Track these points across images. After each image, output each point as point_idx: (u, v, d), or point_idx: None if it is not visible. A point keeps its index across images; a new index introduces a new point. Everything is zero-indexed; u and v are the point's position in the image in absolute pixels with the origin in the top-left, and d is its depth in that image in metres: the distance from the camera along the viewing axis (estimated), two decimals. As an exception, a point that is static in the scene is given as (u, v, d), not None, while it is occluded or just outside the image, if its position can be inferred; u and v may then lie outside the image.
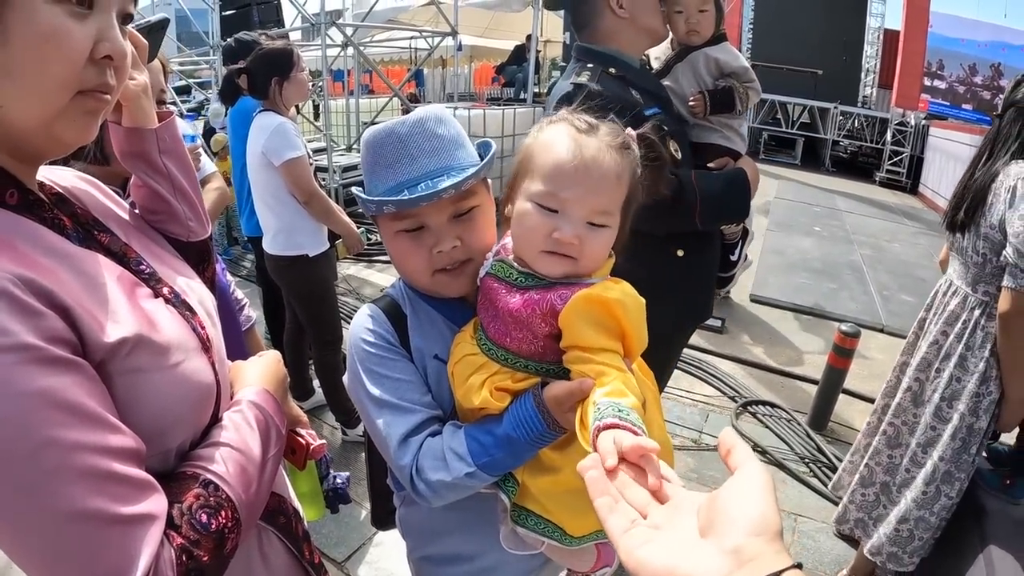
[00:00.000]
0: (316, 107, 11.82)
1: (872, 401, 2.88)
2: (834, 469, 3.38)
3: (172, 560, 0.73)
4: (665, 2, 2.15)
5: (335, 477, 1.41)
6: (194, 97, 11.53)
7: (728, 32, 2.33)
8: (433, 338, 1.20)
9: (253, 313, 2.35)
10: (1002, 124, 2.30)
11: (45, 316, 0.68)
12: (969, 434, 2.30)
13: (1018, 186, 2.10)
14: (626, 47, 2.12)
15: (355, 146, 10.23)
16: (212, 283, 1.19)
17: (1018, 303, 2.09)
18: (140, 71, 1.03)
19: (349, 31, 9.30)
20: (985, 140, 2.37)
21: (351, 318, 4.51)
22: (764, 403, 4.26)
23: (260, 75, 3.13)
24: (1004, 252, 2.10)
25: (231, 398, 1.01)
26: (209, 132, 7.05)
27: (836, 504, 3.22)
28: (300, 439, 1.29)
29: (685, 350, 4.75)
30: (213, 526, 0.80)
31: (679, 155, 2.10)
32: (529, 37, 11.38)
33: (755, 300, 6.20)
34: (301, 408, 1.44)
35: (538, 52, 11.79)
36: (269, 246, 3.35)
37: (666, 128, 2.07)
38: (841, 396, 4.05)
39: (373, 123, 10.61)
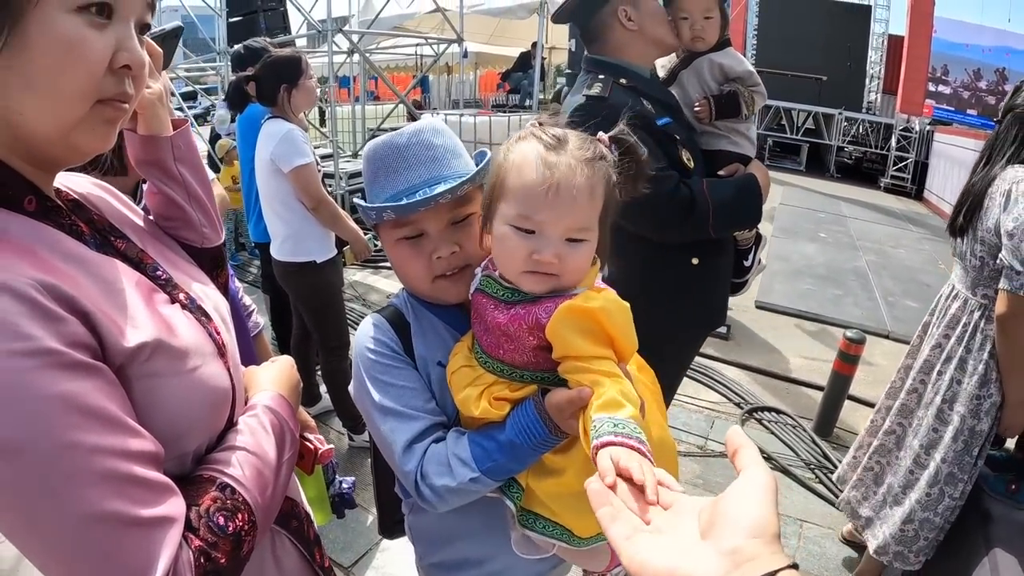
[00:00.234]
0: (322, 113, 11.86)
1: (878, 407, 2.89)
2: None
3: (191, 562, 0.74)
4: (670, 9, 2.17)
5: (341, 482, 1.42)
6: (200, 103, 11.57)
7: (732, 38, 2.35)
8: (436, 345, 1.22)
9: (261, 319, 2.37)
10: (1000, 129, 2.33)
11: (67, 321, 0.69)
12: (971, 436, 2.31)
13: (1012, 190, 2.13)
14: (636, 59, 2.14)
15: (360, 153, 10.26)
16: (225, 289, 1.20)
17: (1014, 305, 2.11)
18: (155, 79, 1.04)
19: (355, 38, 9.34)
20: (985, 145, 2.42)
21: (358, 324, 4.52)
22: (770, 409, 4.26)
23: (269, 82, 3.16)
24: (1000, 255, 2.12)
25: (245, 403, 1.02)
26: (215, 138, 7.08)
27: (841, 510, 3.23)
28: (308, 444, 1.30)
29: (691, 356, 4.78)
30: (230, 528, 0.80)
31: (692, 164, 2.12)
32: (535, 44, 11.42)
33: (760, 307, 6.20)
34: (308, 413, 1.46)
35: (543, 59, 11.83)
36: (277, 252, 3.37)
37: (678, 137, 2.09)
38: (847, 402, 4.05)
39: (379, 129, 10.67)
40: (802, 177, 15.15)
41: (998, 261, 2.15)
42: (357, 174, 8.26)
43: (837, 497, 3.30)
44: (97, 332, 0.73)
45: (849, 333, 3.87)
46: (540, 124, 1.09)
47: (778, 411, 4.24)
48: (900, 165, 14.67)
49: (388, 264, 6.96)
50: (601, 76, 2.07)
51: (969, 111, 15.74)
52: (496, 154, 1.11)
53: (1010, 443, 2.57)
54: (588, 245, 1.05)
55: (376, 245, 5.56)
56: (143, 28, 0.83)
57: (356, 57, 9.87)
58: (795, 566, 0.53)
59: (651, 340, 2.11)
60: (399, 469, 1.14)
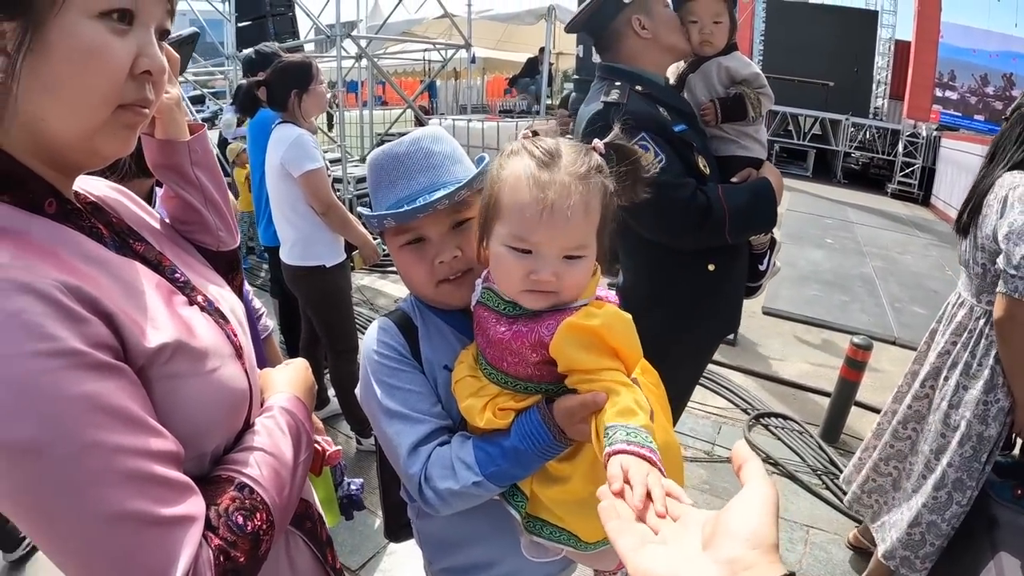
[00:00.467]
0: (329, 117, 11.90)
1: (885, 414, 2.90)
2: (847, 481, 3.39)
3: (210, 560, 0.75)
4: (680, 13, 2.19)
5: (349, 484, 1.43)
6: (208, 107, 11.60)
7: (740, 44, 2.35)
8: (442, 349, 1.23)
9: (270, 322, 2.39)
10: (1005, 127, 2.35)
11: (90, 322, 0.70)
12: (979, 442, 2.31)
13: (1009, 196, 2.16)
14: (650, 66, 2.15)
15: (368, 157, 10.28)
16: (240, 292, 1.22)
17: (1010, 308, 2.13)
18: (173, 84, 1.06)
19: (363, 43, 9.37)
20: (991, 143, 2.43)
21: (366, 328, 4.52)
22: (777, 415, 4.26)
23: (279, 87, 3.18)
24: (997, 260, 2.14)
25: (261, 405, 1.03)
26: (222, 142, 7.10)
27: (848, 515, 3.23)
28: (316, 446, 1.31)
29: (699, 363, 4.78)
30: (249, 528, 0.81)
31: (707, 171, 2.13)
32: (542, 50, 11.44)
33: (767, 313, 6.19)
34: (316, 416, 1.47)
35: (551, 64, 11.84)
36: (287, 256, 3.39)
37: (694, 144, 2.10)
38: (853, 408, 4.04)
39: (387, 134, 10.70)
40: (809, 183, 15.13)
41: (996, 265, 2.16)
42: (364, 179, 8.27)
43: (843, 503, 3.31)
44: (119, 333, 0.74)
45: (856, 339, 3.85)
46: (533, 135, 1.09)
47: (785, 417, 4.24)
48: (907, 171, 14.64)
49: (396, 269, 7.00)
50: (618, 83, 2.08)
51: (976, 116, 15.72)
52: (490, 167, 1.11)
53: (1018, 449, 2.57)
54: (586, 260, 1.04)
55: (384, 250, 5.58)
56: (163, 34, 0.84)
57: (364, 62, 9.89)
58: (792, 575, 0.55)
59: (667, 346, 2.12)
60: (403, 472, 1.15)
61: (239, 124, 7.01)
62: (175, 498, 0.74)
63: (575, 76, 6.65)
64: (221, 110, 9.02)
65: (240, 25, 10.01)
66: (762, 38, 17.13)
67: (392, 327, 1.24)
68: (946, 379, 2.44)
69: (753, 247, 2.40)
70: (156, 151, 1.13)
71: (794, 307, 6.34)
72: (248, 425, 0.96)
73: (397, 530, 1.54)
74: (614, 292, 1.18)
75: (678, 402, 2.51)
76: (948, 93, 15.96)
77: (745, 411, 4.34)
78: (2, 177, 0.75)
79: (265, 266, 4.52)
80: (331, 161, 6.50)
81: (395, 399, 1.16)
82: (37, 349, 0.65)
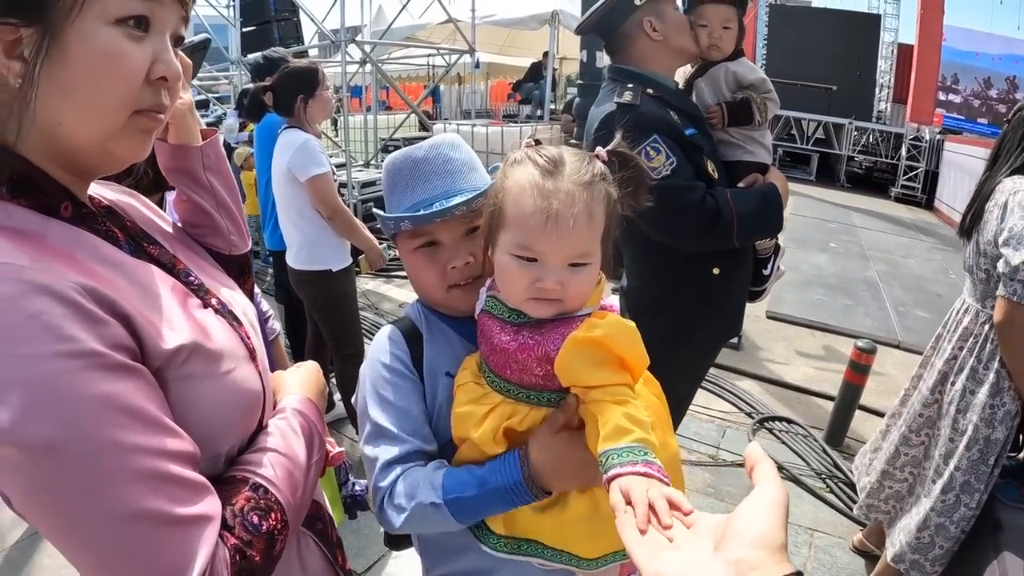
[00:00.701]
0: (334, 122, 11.92)
1: (890, 417, 2.91)
2: (851, 485, 3.38)
3: (227, 560, 0.76)
4: (690, 16, 2.21)
5: (354, 484, 1.44)
6: (212, 111, 11.63)
7: (744, 49, 2.37)
8: (447, 355, 1.23)
9: (277, 325, 2.40)
10: (1007, 129, 2.37)
11: (108, 324, 0.71)
12: (986, 446, 2.32)
13: (1009, 201, 2.18)
14: (660, 68, 2.17)
15: (373, 162, 10.30)
16: (251, 295, 1.23)
17: (1010, 312, 2.14)
18: (185, 90, 1.07)
19: (368, 48, 9.40)
20: (993, 148, 2.45)
21: (370, 333, 4.51)
22: (781, 419, 4.26)
23: (285, 93, 3.20)
24: (997, 264, 2.15)
25: (274, 407, 1.04)
26: (226, 147, 7.13)
27: (852, 519, 3.24)
28: None
29: (703, 367, 4.78)
30: (264, 527, 0.82)
31: (716, 175, 2.14)
32: (546, 54, 11.46)
33: (771, 317, 6.19)
34: (321, 418, 1.48)
35: (554, 70, 11.86)
36: (293, 260, 3.40)
37: (704, 148, 2.11)
38: (857, 412, 4.04)
39: (391, 139, 10.71)
40: (812, 187, 15.10)
41: (997, 268, 2.18)
42: (369, 183, 8.29)
43: (848, 507, 3.31)
44: (137, 335, 0.75)
45: (860, 343, 3.86)
46: (536, 144, 1.10)
47: (789, 421, 4.24)
48: (910, 175, 14.60)
49: (401, 273, 7.03)
50: (630, 85, 2.09)
51: (980, 120, 15.70)
52: (495, 177, 1.12)
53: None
54: (591, 268, 1.05)
55: (391, 255, 5.59)
56: (177, 40, 0.85)
57: (368, 67, 9.92)
58: (799, 574, 0.57)
59: (671, 349, 2.12)
60: (372, 483, 1.15)
61: (241, 129, 7.04)
62: (192, 498, 0.74)
63: (579, 81, 6.64)
64: (225, 114, 9.05)
65: (245, 30, 10.04)
66: (765, 42, 17.12)
67: (399, 336, 1.24)
68: (953, 384, 2.45)
69: (758, 251, 2.41)
70: (169, 155, 1.14)
71: (798, 311, 6.34)
72: (261, 427, 0.97)
73: (397, 539, 1.52)
74: (616, 296, 1.18)
75: (681, 405, 2.52)
76: (951, 96, 15.95)
77: (749, 415, 4.34)
78: (19, 181, 0.76)
79: (270, 270, 4.55)
80: (336, 166, 6.53)
81: (387, 414, 1.16)
82: (57, 350, 0.66)
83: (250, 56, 9.48)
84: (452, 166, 1.20)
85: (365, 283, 6.55)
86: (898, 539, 2.56)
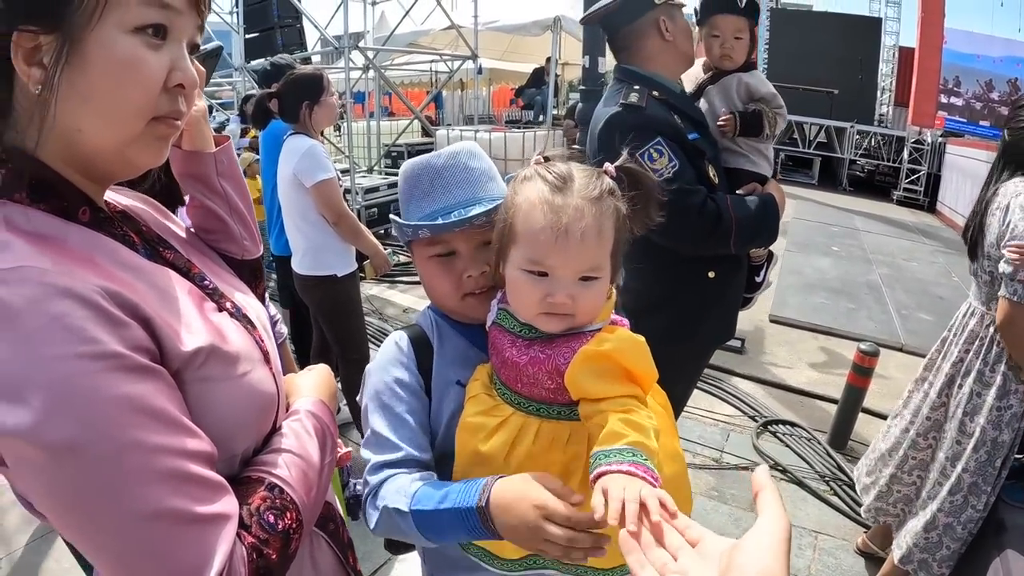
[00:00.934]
0: (337, 128, 11.94)
1: (893, 420, 2.92)
2: (854, 487, 3.39)
3: (244, 558, 0.77)
4: (704, 26, 2.23)
5: (355, 484, 1.45)
6: (215, 118, 11.67)
7: (745, 54, 2.40)
8: (457, 364, 1.24)
9: (284, 328, 2.42)
10: (1006, 141, 2.40)
11: (129, 326, 0.73)
12: (993, 448, 2.33)
13: (1011, 204, 2.20)
14: (665, 71, 2.19)
15: (376, 168, 10.32)
16: (263, 299, 1.25)
17: (1011, 312, 2.16)
18: (199, 97, 1.09)
19: (371, 54, 9.42)
20: (998, 151, 2.48)
21: (374, 338, 4.51)
22: (784, 422, 4.27)
23: (290, 99, 3.22)
24: (999, 264, 2.17)
25: (287, 409, 1.05)
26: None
27: (856, 521, 3.24)
28: None
29: (706, 370, 4.79)
30: (280, 526, 0.84)
31: (717, 180, 2.16)
32: (549, 60, 11.47)
33: (774, 320, 6.19)
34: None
35: (557, 75, 11.86)
36: (298, 266, 3.42)
37: (706, 153, 2.13)
38: (860, 415, 4.04)
39: (394, 145, 10.72)
40: (815, 191, 15.11)
41: (999, 269, 2.19)
42: (372, 189, 8.31)
43: (851, 509, 3.32)
44: (156, 337, 0.76)
45: (863, 346, 3.86)
46: (545, 160, 1.11)
47: (793, 424, 4.25)
48: (912, 178, 14.60)
49: (405, 279, 7.05)
50: (636, 87, 2.11)
51: (982, 122, 15.68)
52: (506, 193, 1.13)
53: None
54: (601, 282, 1.06)
55: (395, 260, 5.60)
56: (192, 48, 0.86)
57: (371, 73, 9.94)
58: None
59: (668, 350, 2.14)
60: (363, 483, 1.16)
61: (243, 135, 7.06)
62: (211, 497, 0.76)
63: (581, 86, 6.65)
64: (227, 120, 9.08)
65: (248, 37, 10.07)
66: (766, 46, 17.14)
67: (407, 343, 1.25)
68: (960, 387, 2.47)
69: (751, 259, 2.44)
70: (183, 161, 1.16)
71: (801, 315, 6.35)
72: (275, 428, 0.98)
73: (397, 543, 1.50)
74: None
75: (677, 404, 2.54)
76: (953, 99, 15.93)
77: (753, 418, 4.35)
78: (39, 185, 0.78)
79: (274, 275, 4.56)
80: (340, 172, 6.54)
81: (385, 421, 1.17)
82: (79, 351, 0.67)
83: (254, 63, 9.54)
84: (471, 175, 1.21)
85: (369, 288, 6.57)
86: (905, 540, 2.57)
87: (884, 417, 4.15)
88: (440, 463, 1.19)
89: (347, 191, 7.69)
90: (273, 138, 3.58)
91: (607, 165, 1.09)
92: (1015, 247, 2.11)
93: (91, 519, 0.69)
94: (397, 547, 1.52)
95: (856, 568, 3.00)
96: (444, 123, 16.28)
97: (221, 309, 0.95)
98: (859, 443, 3.99)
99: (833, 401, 4.34)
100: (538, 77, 13.78)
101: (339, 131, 11.52)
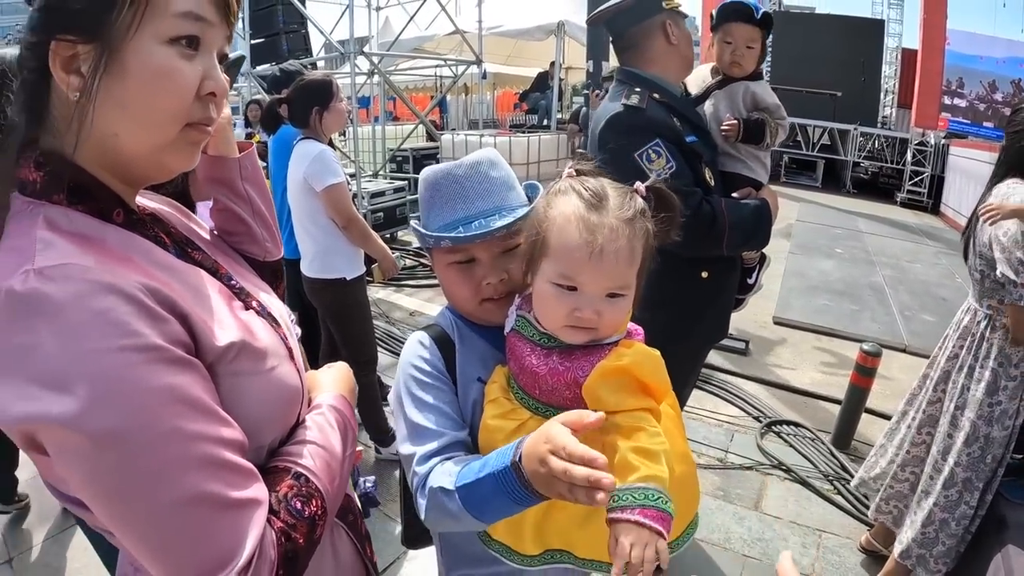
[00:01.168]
0: (343, 133, 11.99)
1: (896, 420, 2.96)
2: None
3: (274, 541, 0.81)
4: (717, 33, 2.28)
5: (364, 481, 1.49)
6: (221, 123, 11.71)
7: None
8: (478, 364, 1.27)
9: (297, 328, 2.45)
10: (1007, 145, 2.44)
11: (169, 321, 0.77)
12: (986, 443, 2.36)
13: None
14: (666, 74, 2.23)
15: (381, 172, 10.36)
16: (283, 299, 1.29)
17: (1015, 315, 2.19)
18: (225, 105, 1.14)
19: (376, 59, 9.47)
20: (1000, 153, 2.53)
21: (382, 341, 4.53)
22: (788, 423, 4.29)
23: (300, 105, 3.26)
24: (997, 268, 2.21)
25: (309, 403, 1.09)
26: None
27: (860, 520, 3.27)
28: None
29: (710, 371, 4.82)
30: (306, 513, 0.88)
31: (712, 182, 2.20)
32: (552, 64, 11.51)
33: (778, 322, 6.21)
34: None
35: (560, 79, 11.90)
36: (307, 269, 3.46)
37: (703, 156, 2.18)
38: (864, 415, 4.07)
39: (399, 149, 10.75)
40: (818, 193, 15.08)
41: (998, 274, 2.23)
42: (378, 194, 8.36)
43: (855, 508, 3.35)
44: (192, 332, 0.81)
45: (865, 346, 3.89)
46: (577, 174, 1.14)
47: (797, 424, 4.27)
48: (916, 179, 14.55)
49: (412, 283, 7.09)
50: (638, 88, 2.15)
51: (985, 123, 15.62)
52: (536, 205, 1.15)
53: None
54: (626, 299, 1.09)
55: (403, 264, 5.62)
56: (221, 58, 0.91)
57: (376, 78, 9.98)
58: None
59: (666, 347, 2.18)
60: (409, 476, 1.16)
61: (247, 140, 7.10)
62: (244, 483, 0.80)
63: (585, 90, 6.70)
64: (234, 125, 9.13)
65: (253, 42, 10.12)
66: (769, 49, 17.08)
67: (431, 342, 1.27)
68: (954, 382, 2.51)
69: (744, 261, 2.49)
70: (209, 166, 1.20)
71: (804, 316, 6.37)
72: (299, 421, 1.02)
73: (415, 537, 1.55)
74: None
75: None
76: (956, 100, 15.87)
77: (757, 419, 4.37)
78: (77, 188, 0.82)
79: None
80: (348, 176, 6.58)
81: (423, 413, 1.19)
82: (122, 344, 0.71)
83: (259, 68, 9.59)
84: (492, 185, 1.24)
85: (376, 292, 6.60)
86: (905, 535, 2.61)
87: (887, 417, 4.16)
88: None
89: (353, 195, 7.74)
90: (283, 143, 3.62)
91: (638, 184, 1.13)
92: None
93: (132, 504, 0.73)
94: (414, 542, 1.55)
95: (860, 566, 3.03)
96: (448, 128, 16.33)
97: (248, 307, 0.99)
98: (862, 443, 4.02)
99: (836, 402, 4.36)
100: (542, 81, 13.83)
101: (345, 136, 11.57)
